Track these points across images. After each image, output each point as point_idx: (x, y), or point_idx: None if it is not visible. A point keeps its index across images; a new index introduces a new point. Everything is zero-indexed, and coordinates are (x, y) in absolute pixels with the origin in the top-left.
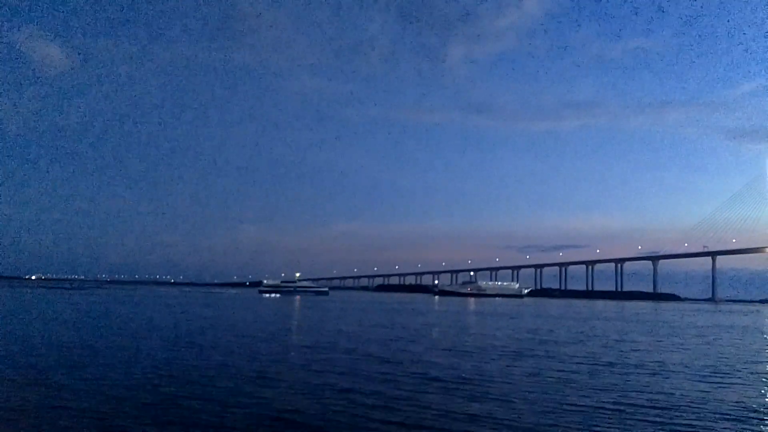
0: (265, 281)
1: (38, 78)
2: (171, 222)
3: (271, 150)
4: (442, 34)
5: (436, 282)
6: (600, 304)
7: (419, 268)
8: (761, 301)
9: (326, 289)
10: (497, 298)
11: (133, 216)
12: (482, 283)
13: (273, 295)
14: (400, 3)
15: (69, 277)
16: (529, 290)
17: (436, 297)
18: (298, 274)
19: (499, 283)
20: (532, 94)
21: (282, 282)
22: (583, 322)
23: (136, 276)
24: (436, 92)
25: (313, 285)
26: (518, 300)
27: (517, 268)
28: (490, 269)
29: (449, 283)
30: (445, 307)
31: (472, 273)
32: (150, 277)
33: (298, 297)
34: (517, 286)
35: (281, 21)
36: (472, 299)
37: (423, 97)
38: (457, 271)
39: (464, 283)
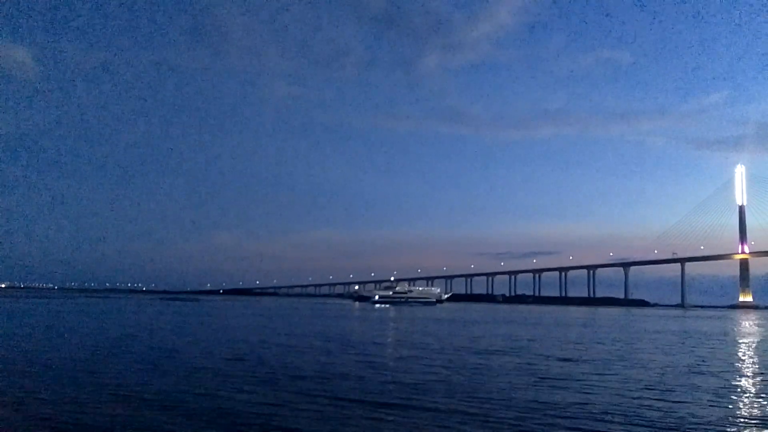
0: (377, 293)
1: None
2: (143, 229)
3: (245, 156)
4: (416, 43)
5: (356, 288)
6: (572, 310)
7: (395, 275)
8: (729, 307)
9: (434, 299)
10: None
11: (103, 223)
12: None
13: (384, 305)
14: (375, 12)
15: (40, 285)
16: (448, 296)
17: (356, 303)
18: (407, 285)
19: (420, 288)
20: (505, 103)
21: (393, 293)
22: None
23: (107, 284)
24: (410, 100)
25: (421, 295)
26: (437, 305)
27: (491, 274)
28: (465, 276)
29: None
30: (364, 313)
31: (392, 278)
32: (121, 285)
33: (408, 308)
34: (438, 291)
35: (256, 28)
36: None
37: (397, 105)
38: (433, 278)
39: (385, 289)
